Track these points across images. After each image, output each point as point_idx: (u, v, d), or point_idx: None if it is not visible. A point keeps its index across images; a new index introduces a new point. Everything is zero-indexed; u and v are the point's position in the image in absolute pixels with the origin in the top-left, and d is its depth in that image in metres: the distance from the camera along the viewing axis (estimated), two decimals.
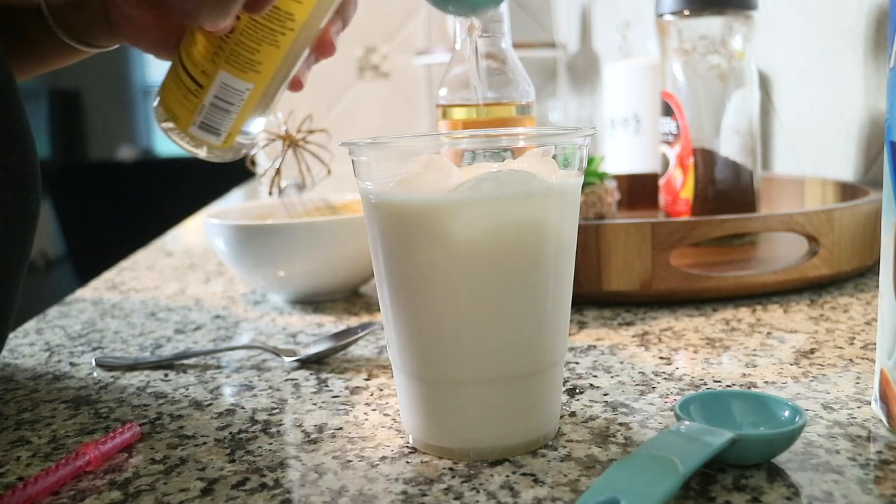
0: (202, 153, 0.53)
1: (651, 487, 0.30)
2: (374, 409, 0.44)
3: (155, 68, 6.22)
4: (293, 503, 0.34)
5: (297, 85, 0.53)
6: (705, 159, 0.81)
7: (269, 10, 0.48)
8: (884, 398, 0.39)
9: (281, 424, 0.43)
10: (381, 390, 0.47)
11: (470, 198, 0.35)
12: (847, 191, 0.79)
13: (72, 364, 0.55)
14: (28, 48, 0.56)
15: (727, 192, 0.81)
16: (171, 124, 0.53)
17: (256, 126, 0.54)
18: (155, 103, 0.54)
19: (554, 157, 0.37)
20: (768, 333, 0.55)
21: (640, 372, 0.48)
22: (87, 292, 0.79)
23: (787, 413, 0.37)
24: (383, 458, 0.38)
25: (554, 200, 0.37)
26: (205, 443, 0.41)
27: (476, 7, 0.51)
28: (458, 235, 0.35)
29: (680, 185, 0.83)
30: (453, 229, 0.35)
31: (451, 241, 0.36)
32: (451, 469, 0.37)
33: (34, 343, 0.61)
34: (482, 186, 0.35)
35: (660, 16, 0.81)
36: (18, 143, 0.46)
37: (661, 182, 0.86)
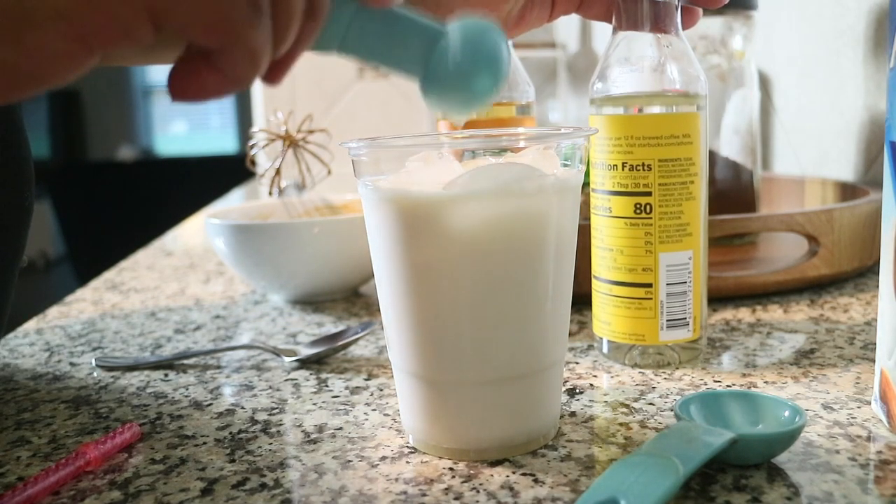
0: (675, 364, 0.49)
1: (651, 487, 0.30)
2: (374, 409, 0.44)
3: (155, 69, 6.19)
4: (293, 503, 0.34)
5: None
6: None
7: (673, 165, 0.46)
8: (884, 398, 0.39)
9: (281, 424, 0.43)
10: (381, 390, 0.47)
11: (469, 191, 0.35)
12: (847, 191, 0.79)
13: (72, 364, 0.55)
14: None
15: (727, 192, 0.81)
16: (641, 351, 0.49)
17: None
18: (626, 355, 0.49)
19: None
20: (768, 333, 0.55)
21: (640, 372, 0.48)
22: (87, 292, 0.79)
23: (786, 413, 0.37)
24: (383, 458, 0.38)
25: (554, 195, 0.36)
26: (205, 443, 0.41)
27: (470, 101, 0.35)
28: (457, 229, 0.35)
29: None
30: (453, 223, 0.35)
31: (451, 236, 0.35)
32: (451, 469, 0.37)
33: (34, 343, 0.61)
34: (481, 178, 0.35)
35: None
36: (11, 140, 0.46)
37: None
